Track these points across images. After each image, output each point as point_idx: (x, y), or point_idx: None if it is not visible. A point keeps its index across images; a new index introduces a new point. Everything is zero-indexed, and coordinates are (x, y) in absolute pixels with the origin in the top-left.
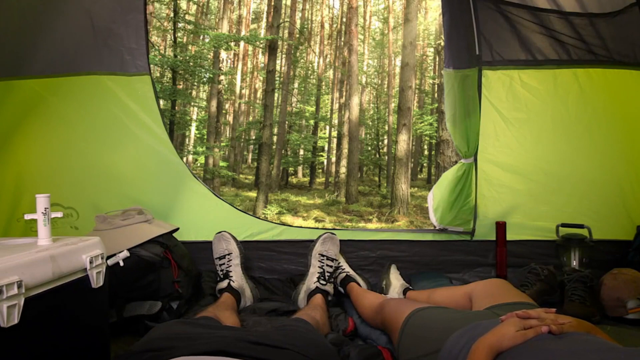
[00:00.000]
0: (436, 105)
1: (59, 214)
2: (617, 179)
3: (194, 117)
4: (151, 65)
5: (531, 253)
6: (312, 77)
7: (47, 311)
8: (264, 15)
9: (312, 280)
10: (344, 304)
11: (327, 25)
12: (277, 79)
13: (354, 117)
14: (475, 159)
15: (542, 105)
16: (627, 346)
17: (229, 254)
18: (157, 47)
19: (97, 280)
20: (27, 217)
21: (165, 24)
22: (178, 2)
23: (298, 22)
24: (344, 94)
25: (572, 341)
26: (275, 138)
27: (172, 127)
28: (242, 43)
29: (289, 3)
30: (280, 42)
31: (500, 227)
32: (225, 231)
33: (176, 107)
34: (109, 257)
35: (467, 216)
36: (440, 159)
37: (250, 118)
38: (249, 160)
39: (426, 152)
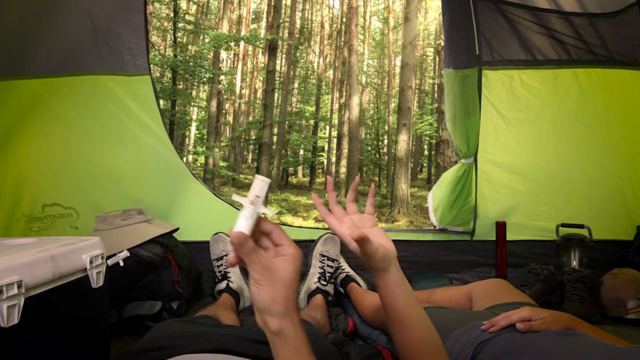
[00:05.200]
0: (436, 105)
1: (269, 212)
2: (617, 179)
3: (194, 117)
4: (151, 65)
5: (531, 253)
6: (312, 77)
7: (47, 311)
8: (264, 15)
9: (312, 280)
10: (344, 304)
11: (327, 25)
12: (277, 79)
13: (354, 117)
14: (475, 159)
15: (542, 105)
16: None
17: (226, 255)
18: (157, 47)
19: (97, 280)
20: (235, 197)
21: (165, 24)
22: (178, 2)
23: (298, 22)
24: (344, 94)
25: (575, 342)
26: (275, 138)
27: (172, 127)
28: (242, 43)
29: (289, 3)
30: (280, 42)
31: (500, 227)
32: (222, 232)
33: (176, 107)
34: (109, 257)
35: (467, 216)
36: (440, 159)
37: (250, 118)
38: (249, 160)
39: (426, 152)
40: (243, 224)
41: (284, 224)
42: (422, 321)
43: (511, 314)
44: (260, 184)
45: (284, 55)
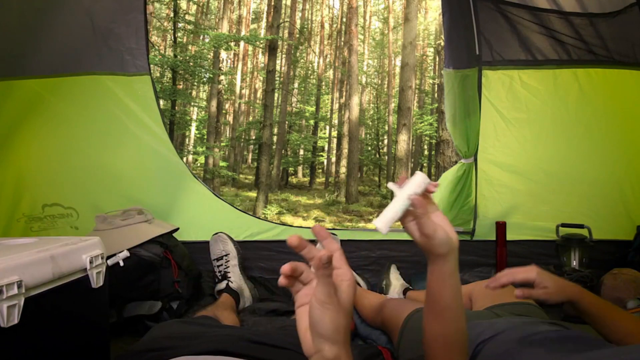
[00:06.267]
0: (436, 105)
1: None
2: (617, 179)
3: (194, 117)
4: (151, 65)
5: (531, 253)
6: (312, 77)
7: (47, 311)
8: (264, 15)
9: None
10: None
11: (327, 25)
12: (277, 79)
13: (354, 117)
14: (475, 159)
15: (542, 105)
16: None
17: (226, 255)
18: (157, 47)
19: (97, 280)
20: (391, 186)
21: (165, 24)
22: (178, 2)
23: (298, 22)
24: (344, 94)
25: (575, 342)
26: (275, 138)
27: (172, 127)
28: (242, 43)
29: (289, 3)
30: (280, 42)
31: (500, 227)
32: (221, 232)
33: (176, 107)
34: (109, 257)
35: (467, 216)
36: (440, 159)
37: (250, 118)
38: (249, 160)
39: (426, 152)
40: (389, 216)
41: (284, 224)
42: (459, 321)
43: (516, 271)
44: (421, 178)
45: (284, 55)
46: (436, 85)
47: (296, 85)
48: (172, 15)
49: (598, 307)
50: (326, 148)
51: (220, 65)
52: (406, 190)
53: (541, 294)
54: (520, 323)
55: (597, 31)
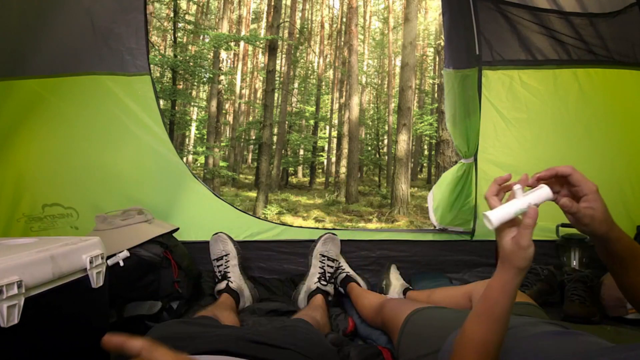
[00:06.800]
0: (436, 105)
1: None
2: (617, 179)
3: (194, 117)
4: (151, 65)
5: None
6: (312, 77)
7: (47, 311)
8: (264, 15)
9: (312, 280)
10: (344, 304)
11: (327, 25)
12: (277, 79)
13: (354, 117)
14: (475, 159)
15: (542, 105)
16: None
17: (226, 255)
18: (157, 47)
19: (97, 280)
20: (517, 188)
21: (165, 24)
22: (178, 2)
23: (298, 22)
24: (344, 94)
25: (575, 342)
26: (275, 138)
27: (172, 127)
28: (242, 43)
29: (289, 3)
30: (280, 42)
31: None
32: (221, 232)
33: (176, 107)
34: (109, 257)
35: (467, 216)
36: (440, 159)
37: (250, 118)
38: (249, 160)
39: (426, 152)
40: (505, 214)
41: (284, 224)
42: (504, 332)
43: (581, 177)
44: (547, 195)
45: (284, 55)
46: (436, 85)
47: (296, 85)
48: (172, 15)
49: (630, 251)
50: (326, 148)
51: (220, 65)
52: (529, 199)
53: (588, 212)
54: (520, 323)
55: (597, 31)
